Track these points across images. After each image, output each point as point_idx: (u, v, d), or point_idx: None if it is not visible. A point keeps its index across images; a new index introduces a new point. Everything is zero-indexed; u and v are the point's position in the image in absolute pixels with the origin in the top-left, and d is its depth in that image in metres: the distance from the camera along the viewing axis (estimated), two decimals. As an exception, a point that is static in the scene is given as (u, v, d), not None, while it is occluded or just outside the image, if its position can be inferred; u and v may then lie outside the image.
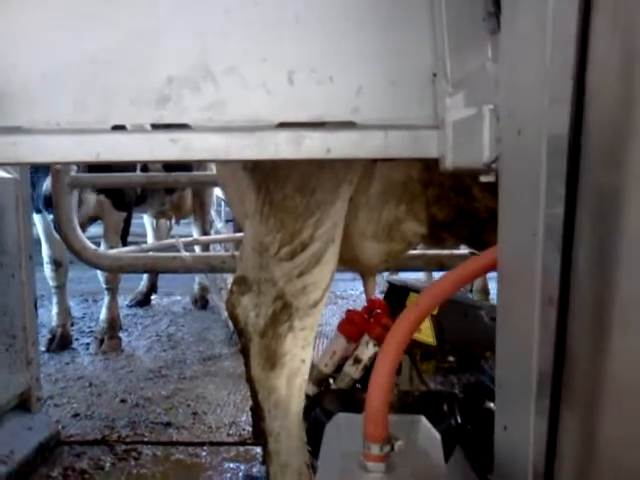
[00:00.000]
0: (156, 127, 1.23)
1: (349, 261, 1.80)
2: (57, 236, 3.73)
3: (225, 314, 4.75)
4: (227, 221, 6.73)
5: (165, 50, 1.19)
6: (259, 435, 2.09)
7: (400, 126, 1.18)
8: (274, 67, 1.18)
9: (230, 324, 4.55)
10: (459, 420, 1.25)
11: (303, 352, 1.64)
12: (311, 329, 1.65)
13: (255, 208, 1.57)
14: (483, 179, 1.00)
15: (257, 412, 1.72)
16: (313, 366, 1.82)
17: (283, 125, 1.19)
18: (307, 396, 1.75)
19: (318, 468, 0.92)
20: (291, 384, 1.64)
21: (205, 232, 5.56)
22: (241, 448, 2.69)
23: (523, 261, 0.71)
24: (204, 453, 2.66)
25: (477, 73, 1.01)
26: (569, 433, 0.60)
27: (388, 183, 1.67)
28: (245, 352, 1.67)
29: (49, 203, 3.45)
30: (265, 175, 1.53)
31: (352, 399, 1.60)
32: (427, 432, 0.97)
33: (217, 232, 5.81)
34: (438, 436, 0.98)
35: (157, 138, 1.20)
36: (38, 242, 3.84)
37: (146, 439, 2.81)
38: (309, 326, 1.64)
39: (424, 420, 0.98)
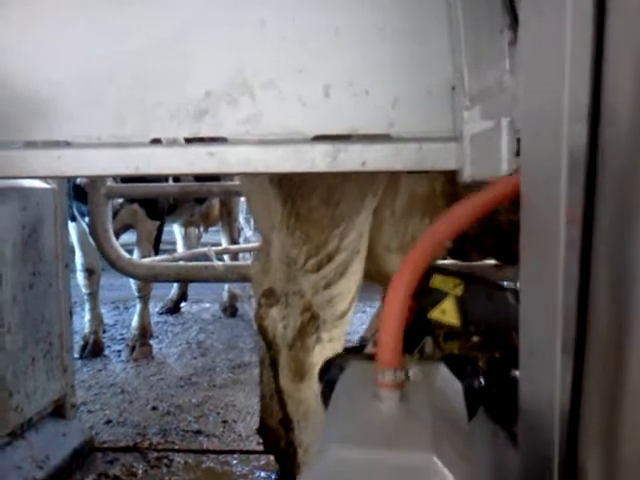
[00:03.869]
0: (190, 140, 1.25)
1: (374, 275, 1.80)
2: (91, 244, 3.81)
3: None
4: (257, 229, 6.76)
5: (202, 64, 1.21)
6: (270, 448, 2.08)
7: (435, 139, 1.18)
8: (310, 80, 1.19)
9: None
10: (482, 382, 1.21)
11: None
12: (339, 340, 1.65)
13: (281, 220, 1.58)
14: None
15: (286, 423, 1.73)
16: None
17: (319, 138, 1.20)
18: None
19: (329, 405, 0.87)
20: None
21: (233, 240, 5.59)
22: (271, 457, 2.69)
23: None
24: (235, 461, 2.67)
25: (495, 86, 1.00)
26: (595, 371, 0.59)
27: (413, 196, 1.67)
28: (274, 364, 1.68)
29: (80, 194, 3.51)
30: (291, 187, 1.55)
31: (369, 357, 1.58)
32: (448, 379, 0.90)
33: (247, 240, 5.85)
34: (459, 385, 0.92)
35: (195, 151, 1.22)
36: (71, 250, 3.91)
37: (177, 447, 2.84)
38: (337, 337, 1.64)
39: (444, 367, 0.92)
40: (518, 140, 0.85)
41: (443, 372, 0.90)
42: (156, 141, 1.24)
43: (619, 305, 0.56)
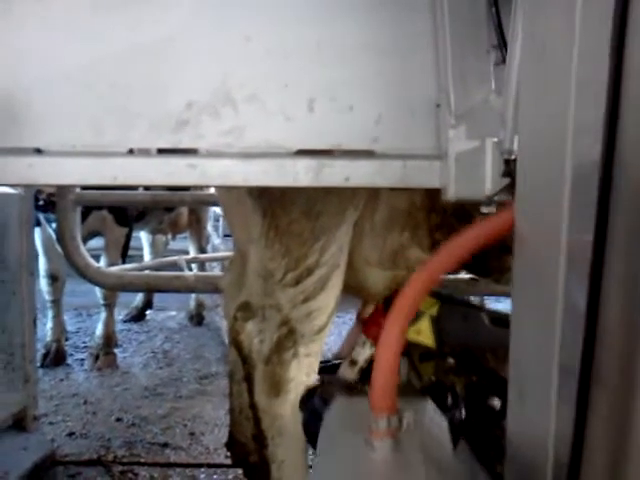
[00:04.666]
0: (162, 151, 1.23)
1: (353, 288, 1.79)
2: (56, 250, 3.70)
3: (223, 332, 4.72)
4: (225, 236, 6.71)
5: (185, 75, 1.19)
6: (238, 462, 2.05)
7: (419, 156, 1.18)
8: (295, 94, 1.18)
9: (227, 342, 4.52)
10: (463, 414, 1.22)
11: (308, 379, 1.62)
12: (316, 355, 1.64)
13: (260, 233, 1.56)
14: (484, 210, 1.01)
15: (260, 439, 1.70)
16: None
17: (302, 152, 1.19)
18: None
19: (318, 449, 0.86)
20: (296, 411, 1.62)
21: (201, 248, 5.54)
22: (239, 470, 2.65)
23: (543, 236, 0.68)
24: (202, 475, 2.62)
25: (481, 105, 1.01)
26: (601, 414, 0.55)
27: (392, 210, 1.67)
28: (248, 379, 1.65)
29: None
30: (271, 200, 1.53)
31: (351, 389, 1.59)
32: (434, 416, 0.92)
33: (215, 247, 5.80)
34: (445, 422, 0.93)
35: (175, 163, 1.19)
36: (35, 255, 3.80)
37: (143, 460, 2.77)
38: (314, 352, 1.62)
39: (431, 403, 0.93)
40: (506, 161, 0.86)
41: (430, 409, 0.90)
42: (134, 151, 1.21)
43: (635, 336, 0.52)
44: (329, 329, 1.66)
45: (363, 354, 1.76)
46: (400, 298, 0.79)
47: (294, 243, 1.52)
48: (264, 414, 1.62)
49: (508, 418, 0.73)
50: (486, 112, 1.00)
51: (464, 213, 1.64)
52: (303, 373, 1.61)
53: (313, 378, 1.64)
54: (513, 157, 0.83)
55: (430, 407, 0.92)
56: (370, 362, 1.73)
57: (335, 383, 1.67)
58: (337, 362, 1.95)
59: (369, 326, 1.78)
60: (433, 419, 0.89)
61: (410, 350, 1.68)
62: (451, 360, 1.63)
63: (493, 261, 1.76)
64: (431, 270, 0.80)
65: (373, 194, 1.60)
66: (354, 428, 0.78)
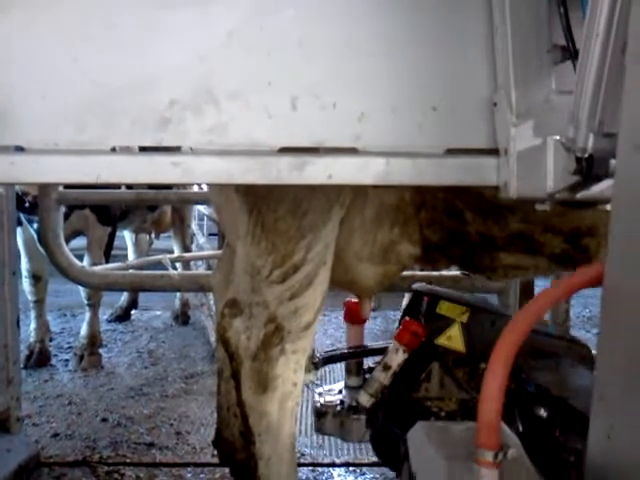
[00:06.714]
0: (145, 149, 1.22)
1: (345, 284, 1.80)
2: (38, 250, 3.67)
3: (209, 331, 4.70)
4: (210, 235, 6.69)
5: (168, 73, 1.19)
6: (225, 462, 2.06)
7: (402, 153, 1.19)
8: (278, 92, 1.18)
9: (212, 341, 4.51)
10: (520, 427, 1.27)
11: (295, 375, 1.63)
12: (303, 352, 1.64)
13: (247, 230, 1.57)
14: (538, 207, 1.03)
15: (247, 436, 1.70)
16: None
17: (285, 150, 1.19)
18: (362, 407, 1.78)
19: (416, 475, 0.95)
20: (283, 407, 1.63)
21: (185, 246, 5.51)
22: (226, 470, 2.64)
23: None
24: (189, 475, 2.62)
25: (541, 104, 1.02)
26: None
27: (382, 206, 1.68)
28: (236, 376, 1.66)
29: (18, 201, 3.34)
30: (257, 197, 1.54)
31: (414, 405, 1.68)
32: (511, 439, 0.99)
33: (199, 247, 5.77)
34: (519, 442, 1.00)
35: (158, 161, 1.19)
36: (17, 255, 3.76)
37: (129, 460, 2.75)
38: (301, 349, 1.63)
39: (505, 426, 0.99)
40: (578, 159, 0.86)
41: (505, 433, 0.98)
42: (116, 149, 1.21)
43: None
44: (316, 326, 1.67)
45: (397, 359, 1.76)
46: (502, 341, 0.85)
47: (280, 240, 1.53)
48: (251, 410, 1.62)
49: (589, 451, 0.76)
50: (547, 111, 1.01)
51: (454, 210, 1.66)
52: (290, 370, 1.61)
53: (300, 375, 1.65)
54: (587, 155, 0.84)
55: (505, 432, 0.99)
56: (402, 367, 1.75)
57: (395, 401, 1.74)
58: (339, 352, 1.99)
59: (402, 333, 1.79)
60: (511, 443, 0.96)
61: (443, 356, 1.73)
62: (483, 365, 1.68)
63: (484, 258, 1.78)
64: (529, 313, 0.86)
65: (361, 191, 1.61)
66: (449, 455, 0.91)
